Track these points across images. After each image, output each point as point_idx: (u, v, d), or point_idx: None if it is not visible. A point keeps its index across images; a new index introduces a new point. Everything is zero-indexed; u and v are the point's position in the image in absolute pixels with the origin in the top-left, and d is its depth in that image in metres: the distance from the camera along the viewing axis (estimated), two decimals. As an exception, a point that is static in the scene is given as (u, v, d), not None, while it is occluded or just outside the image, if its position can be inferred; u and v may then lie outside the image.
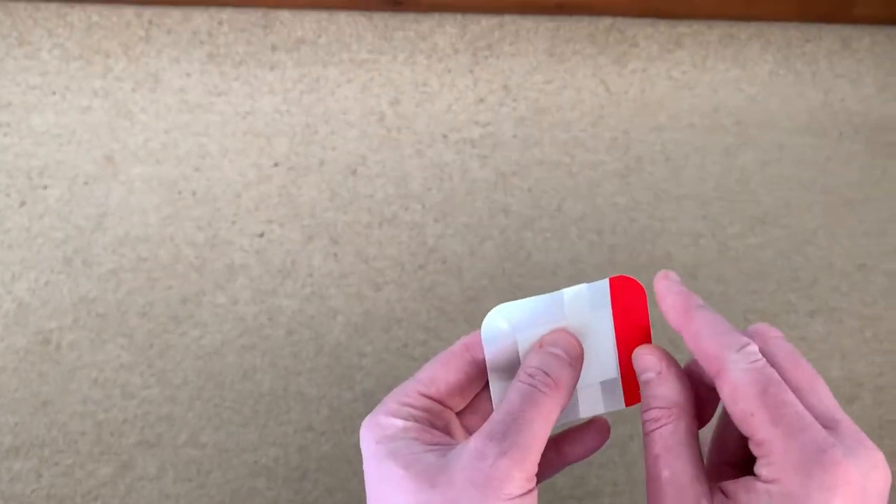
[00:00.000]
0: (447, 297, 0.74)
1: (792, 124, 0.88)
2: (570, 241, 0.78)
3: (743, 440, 0.34)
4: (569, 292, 0.35)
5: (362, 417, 0.35)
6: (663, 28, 0.92)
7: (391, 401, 0.35)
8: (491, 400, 0.37)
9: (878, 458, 0.28)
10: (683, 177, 0.84)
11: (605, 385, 0.37)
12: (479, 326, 0.36)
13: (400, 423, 0.33)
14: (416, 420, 0.34)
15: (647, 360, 0.34)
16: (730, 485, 0.30)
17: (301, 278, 0.75)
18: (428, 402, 0.35)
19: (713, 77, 0.90)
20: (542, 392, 0.32)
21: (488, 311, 0.35)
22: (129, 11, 0.86)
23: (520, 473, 0.29)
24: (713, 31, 0.92)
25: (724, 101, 0.89)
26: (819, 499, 0.26)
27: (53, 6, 0.85)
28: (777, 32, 0.93)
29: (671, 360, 0.34)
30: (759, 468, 0.28)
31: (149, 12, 0.86)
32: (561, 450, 0.38)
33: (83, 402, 0.68)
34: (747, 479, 0.29)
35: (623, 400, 0.37)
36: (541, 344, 0.35)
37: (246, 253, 0.75)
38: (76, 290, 0.73)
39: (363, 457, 0.33)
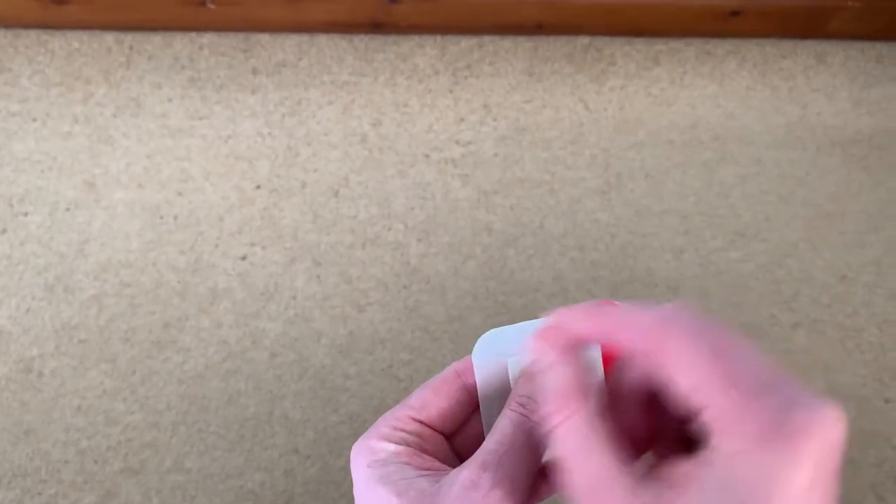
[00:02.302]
0: (431, 316, 0.74)
1: (770, 139, 0.89)
2: (553, 259, 0.78)
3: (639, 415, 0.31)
4: None
5: (348, 440, 0.35)
6: (640, 46, 0.93)
7: (382, 425, 0.34)
8: (481, 424, 0.37)
9: (831, 412, 0.25)
10: (664, 192, 0.84)
11: None
12: (463, 346, 0.36)
13: (392, 447, 0.33)
14: (407, 444, 0.34)
15: (531, 350, 0.31)
16: (672, 467, 0.27)
17: (284, 301, 0.74)
18: (419, 427, 0.35)
19: (691, 93, 0.91)
20: (534, 422, 0.32)
21: (472, 330, 0.35)
22: (109, 37, 0.86)
23: None
24: (690, 49, 0.93)
25: (703, 117, 0.90)
26: (789, 465, 0.25)
27: (34, 33, 0.85)
28: (753, 49, 0.95)
29: (561, 344, 0.31)
30: (720, 440, 0.25)
31: (129, 38, 0.86)
32: (548, 478, 0.38)
33: (66, 430, 0.68)
34: (701, 455, 0.26)
35: None
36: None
37: (229, 276, 0.75)
38: (58, 317, 0.72)
39: (354, 480, 0.33)
